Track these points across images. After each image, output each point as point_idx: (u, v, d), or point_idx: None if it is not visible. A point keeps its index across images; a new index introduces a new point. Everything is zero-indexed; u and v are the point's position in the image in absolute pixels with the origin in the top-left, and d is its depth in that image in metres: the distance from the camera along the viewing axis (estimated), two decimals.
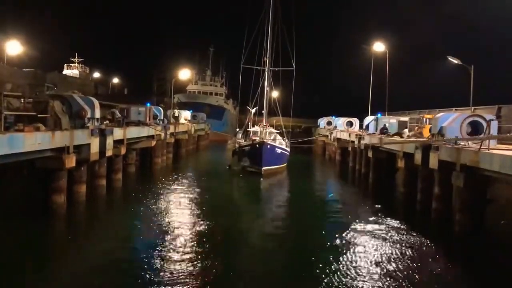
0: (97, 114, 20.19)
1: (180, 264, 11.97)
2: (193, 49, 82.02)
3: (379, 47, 37.95)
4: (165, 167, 33.09)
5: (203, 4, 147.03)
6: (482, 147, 15.40)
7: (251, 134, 37.05)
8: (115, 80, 78.19)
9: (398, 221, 18.12)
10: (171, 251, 13.11)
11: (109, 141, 19.95)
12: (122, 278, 11.22)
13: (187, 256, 12.66)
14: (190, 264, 12.04)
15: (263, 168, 29.81)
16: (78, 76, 63.49)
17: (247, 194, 25.85)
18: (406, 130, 28.81)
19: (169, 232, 15.24)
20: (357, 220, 18.20)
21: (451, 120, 19.29)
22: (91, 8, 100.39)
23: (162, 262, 12.06)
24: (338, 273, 11.92)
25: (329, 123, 51.72)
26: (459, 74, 28.45)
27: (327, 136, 47.35)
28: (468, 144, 17.51)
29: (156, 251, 13.02)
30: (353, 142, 35.67)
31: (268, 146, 30.40)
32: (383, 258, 13.24)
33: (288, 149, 35.38)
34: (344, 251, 13.91)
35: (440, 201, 18.39)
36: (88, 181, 19.74)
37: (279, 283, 11.66)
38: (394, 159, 26.19)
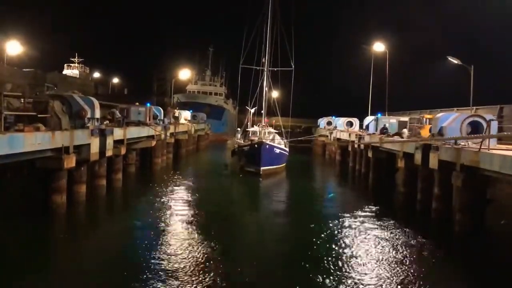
0: (97, 114, 20.18)
1: (180, 264, 11.96)
2: (193, 49, 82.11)
3: (379, 47, 37.98)
4: (165, 167, 33.08)
5: (203, 4, 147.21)
6: (482, 147, 15.40)
7: (250, 134, 37.06)
8: (115, 80, 78.28)
9: (398, 221, 18.12)
10: (171, 251, 13.10)
11: (109, 141, 19.94)
12: (122, 278, 11.20)
13: (187, 256, 12.66)
14: (190, 264, 12.03)
15: (262, 168, 29.80)
16: (78, 76, 63.56)
17: (245, 195, 25.84)
18: (405, 130, 28.80)
19: (169, 232, 15.23)
20: (357, 220, 18.20)
21: (451, 120, 19.29)
22: (91, 8, 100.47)
23: (162, 262, 12.05)
24: (338, 273, 11.92)
25: (329, 123, 51.73)
26: (459, 74, 28.47)
27: (327, 136, 47.37)
28: (468, 144, 17.52)
29: (156, 251, 13.01)
30: (353, 142, 35.67)
31: (267, 146, 30.39)
32: (383, 258, 13.24)
33: (287, 149, 35.38)
34: (344, 251, 13.91)
35: (440, 201, 18.39)
36: (88, 181, 19.73)
37: (279, 283, 11.65)
38: (394, 159, 26.19)
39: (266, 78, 38.29)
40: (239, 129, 43.21)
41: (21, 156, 14.06)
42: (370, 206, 21.27)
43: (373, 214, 19.63)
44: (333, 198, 25.62)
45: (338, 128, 46.08)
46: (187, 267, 11.79)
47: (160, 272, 11.32)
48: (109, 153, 20.08)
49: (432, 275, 12.49)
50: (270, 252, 14.12)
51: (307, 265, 12.72)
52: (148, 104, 31.60)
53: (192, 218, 17.49)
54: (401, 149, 23.10)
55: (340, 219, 18.29)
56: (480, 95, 26.37)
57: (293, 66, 39.72)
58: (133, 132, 25.70)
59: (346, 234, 16.01)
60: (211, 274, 11.33)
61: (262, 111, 38.92)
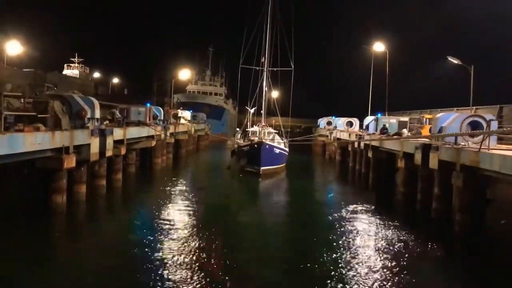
0: (97, 114, 20.19)
1: (180, 264, 11.96)
2: (193, 49, 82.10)
3: (379, 47, 37.98)
4: (165, 167, 33.09)
5: (203, 4, 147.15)
6: (482, 147, 15.40)
7: (250, 134, 37.06)
8: (115, 80, 78.23)
9: (398, 221, 18.11)
10: (171, 251, 13.10)
11: (109, 141, 19.94)
12: (122, 278, 11.21)
13: (186, 256, 12.65)
14: (189, 264, 12.03)
15: (262, 168, 29.81)
16: (78, 76, 63.51)
17: (245, 195, 25.83)
18: (405, 130, 28.81)
19: (169, 232, 15.23)
20: (357, 220, 18.21)
21: (451, 120, 19.29)
22: (91, 8, 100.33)
23: (162, 262, 12.05)
24: (338, 272, 11.91)
25: (329, 123, 51.75)
26: (459, 74, 28.47)
27: (327, 136, 47.37)
28: (468, 144, 17.52)
29: (156, 251, 13.01)
30: (353, 142, 35.68)
31: (267, 146, 30.40)
32: (383, 258, 13.24)
33: (286, 149, 35.38)
34: (344, 251, 13.91)
35: (440, 201, 18.39)
36: (88, 181, 19.74)
37: (279, 282, 11.65)
38: (394, 159, 26.18)
39: (266, 78, 38.30)
40: (238, 129, 43.23)
41: (21, 156, 14.06)
42: (370, 206, 21.27)
43: (373, 214, 19.63)
44: (332, 198, 25.62)
45: (338, 128, 46.08)
46: (187, 266, 11.79)
47: (160, 272, 11.31)
48: (109, 153, 20.07)
49: (432, 275, 12.50)
50: (270, 252, 14.12)
51: (307, 265, 12.71)
52: (148, 104, 31.60)
53: (192, 218, 17.49)
54: (401, 149, 23.10)
55: (340, 219, 18.29)
56: (480, 95, 26.38)
57: (292, 66, 39.78)
58: (133, 132, 25.70)
59: (346, 233, 16.00)
60: (211, 274, 11.33)
61: (262, 111, 38.94)
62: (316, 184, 32.69)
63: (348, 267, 12.34)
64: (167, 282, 10.71)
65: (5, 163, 13.67)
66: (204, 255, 12.82)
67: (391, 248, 14.36)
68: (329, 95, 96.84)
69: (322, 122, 56.16)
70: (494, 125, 18.35)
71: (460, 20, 66.41)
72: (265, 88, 38.48)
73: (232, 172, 32.58)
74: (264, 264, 12.91)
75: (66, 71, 64.83)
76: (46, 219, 15.92)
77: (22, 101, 16.37)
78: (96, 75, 74.14)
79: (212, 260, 12.49)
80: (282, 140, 36.39)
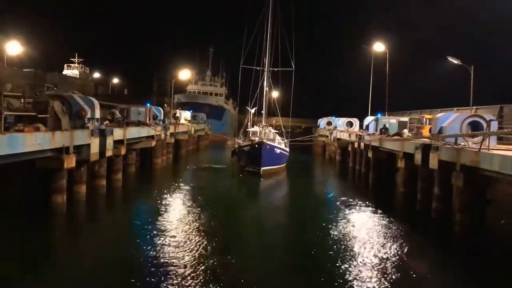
0: (97, 114, 20.20)
1: (180, 264, 11.95)
2: (193, 49, 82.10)
3: (379, 47, 37.97)
4: (165, 168, 33.09)
5: (203, 4, 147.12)
6: (482, 147, 15.40)
7: (250, 134, 37.07)
8: (115, 80, 78.24)
9: (398, 221, 18.12)
10: (171, 251, 13.09)
11: (109, 141, 19.94)
12: (122, 277, 11.20)
13: (187, 256, 12.65)
14: (189, 264, 12.02)
15: (262, 168, 29.81)
16: (78, 76, 63.49)
17: (246, 194, 25.83)
18: (406, 130, 28.82)
19: (169, 232, 15.22)
20: (357, 220, 18.21)
21: (451, 120, 19.29)
22: (91, 8, 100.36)
23: (162, 262, 12.04)
24: (338, 272, 11.90)
25: (329, 123, 51.76)
26: (459, 74, 28.47)
27: (327, 136, 47.37)
28: (468, 144, 17.52)
29: (156, 251, 13.00)
30: (353, 142, 35.69)
31: (267, 146, 30.40)
32: (383, 258, 13.23)
33: (287, 149, 35.38)
34: (344, 250, 13.89)
35: (440, 201, 18.38)
36: (88, 181, 19.74)
37: (279, 281, 11.65)
38: (394, 159, 26.19)
39: (266, 78, 38.29)
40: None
41: (21, 156, 14.06)
42: (370, 206, 21.28)
43: (373, 214, 19.63)
44: (332, 198, 25.61)
45: (338, 128, 46.08)
46: (188, 266, 11.78)
47: (160, 272, 11.31)
48: (109, 153, 20.08)
49: (432, 275, 12.49)
50: (270, 252, 14.12)
51: (307, 265, 12.73)
52: (148, 104, 31.61)
53: (192, 218, 17.48)
54: (401, 149, 23.10)
55: (340, 219, 18.29)
56: (480, 95, 26.37)
57: (293, 66, 39.78)
58: (133, 132, 25.70)
59: (346, 233, 16.00)
60: (211, 273, 11.32)
61: (262, 111, 38.94)
62: (316, 184, 32.69)
63: (348, 267, 12.33)
64: (167, 282, 10.71)
65: (5, 163, 13.68)
66: (204, 255, 12.81)
67: (391, 248, 14.35)
68: (329, 95, 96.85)
69: (322, 122, 56.17)
70: (494, 125, 18.33)
71: (460, 20, 66.43)
72: (265, 88, 38.48)
73: (233, 172, 32.57)
74: (264, 264, 12.91)
75: (66, 71, 64.82)
76: (46, 219, 15.92)
77: (22, 101, 16.36)
78: (96, 75, 74.14)
79: (213, 260, 12.48)
80: (283, 140, 36.40)
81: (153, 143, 29.29)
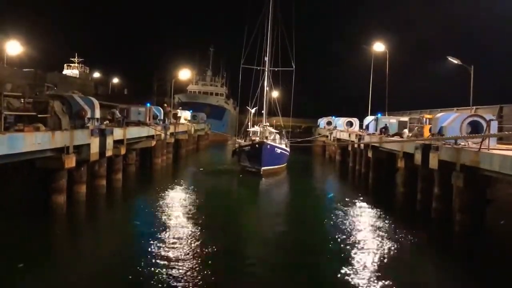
0: (97, 114, 20.19)
1: (180, 264, 11.95)
2: (193, 49, 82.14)
3: (379, 47, 37.96)
4: (165, 167, 33.09)
5: (203, 4, 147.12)
6: (482, 147, 15.40)
7: (250, 134, 37.07)
8: (115, 80, 78.27)
9: (398, 221, 18.12)
10: (171, 251, 13.09)
11: (109, 141, 19.94)
12: (122, 278, 11.21)
13: (187, 256, 12.66)
14: (190, 264, 12.03)
15: (263, 168, 29.81)
16: (78, 76, 63.51)
17: (246, 194, 25.83)
18: (406, 130, 28.81)
19: (169, 232, 15.22)
20: (357, 220, 18.21)
21: (451, 120, 19.29)
22: (91, 8, 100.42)
23: (162, 262, 12.04)
24: (338, 272, 11.89)
25: (329, 123, 51.74)
26: (459, 74, 28.47)
27: (327, 136, 47.37)
28: (468, 144, 17.52)
29: (156, 251, 13.00)
30: (353, 142, 35.69)
31: (268, 146, 30.40)
32: (383, 258, 13.23)
33: (288, 149, 35.39)
34: (344, 251, 13.89)
35: (440, 201, 18.38)
36: (88, 181, 19.74)
37: (279, 281, 11.65)
38: (394, 159, 26.18)
39: (266, 78, 38.30)
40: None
41: (21, 156, 14.06)
42: (370, 206, 21.28)
43: (373, 214, 19.63)
44: (333, 198, 25.61)
45: (338, 128, 46.07)
46: (187, 266, 11.78)
47: (160, 272, 11.31)
48: (109, 153, 20.08)
49: (432, 275, 12.50)
50: (270, 252, 14.11)
51: (307, 265, 12.72)
52: (148, 104, 31.61)
53: (192, 218, 17.47)
54: (401, 149, 23.10)
55: (340, 219, 18.29)
56: (480, 95, 26.37)
57: (293, 66, 39.78)
58: (133, 132, 25.70)
59: (346, 233, 15.99)
60: (211, 274, 11.32)
61: (262, 111, 38.94)
62: (316, 184, 32.71)
63: (348, 267, 12.32)
64: (167, 282, 10.71)
65: (5, 163, 13.67)
66: (204, 255, 12.81)
67: (391, 248, 14.35)
68: (329, 95, 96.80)
69: (322, 122, 56.17)
70: (494, 125, 18.34)
71: (460, 20, 66.43)
72: (266, 88, 38.48)
73: (233, 172, 32.57)
74: (264, 264, 12.90)
75: (66, 71, 64.85)
76: (46, 219, 15.92)
77: (22, 101, 16.36)
78: (96, 75, 74.16)
79: (213, 260, 12.48)
80: (283, 140, 36.40)
81: (153, 143, 29.30)
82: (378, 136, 30.43)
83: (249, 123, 40.23)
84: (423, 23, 76.51)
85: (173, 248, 13.39)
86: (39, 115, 16.11)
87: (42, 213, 16.32)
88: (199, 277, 11.08)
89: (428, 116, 26.46)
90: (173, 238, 14.49)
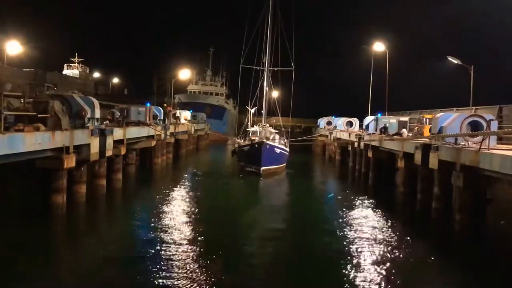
0: (97, 114, 20.18)
1: (179, 264, 11.96)
2: (193, 49, 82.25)
3: (379, 47, 37.96)
4: (165, 167, 33.10)
5: (203, 4, 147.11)
6: (482, 147, 15.40)
7: (250, 134, 37.07)
8: (115, 80, 78.28)
9: (398, 221, 18.12)
10: (171, 251, 13.10)
11: (109, 141, 19.92)
12: (122, 278, 11.22)
13: (186, 256, 12.66)
14: (189, 264, 12.03)
15: (262, 168, 29.80)
16: (78, 76, 63.51)
17: (246, 194, 25.81)
18: (405, 130, 28.81)
19: (169, 232, 15.22)
20: (356, 220, 18.20)
21: (451, 120, 19.29)
22: (91, 8, 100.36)
23: (162, 262, 12.04)
24: (337, 272, 11.90)
25: (329, 123, 51.74)
26: (459, 74, 28.48)
27: (327, 136, 47.37)
28: (468, 144, 17.52)
29: (156, 251, 13.00)
30: (353, 142, 35.69)
31: (267, 146, 30.39)
32: (383, 258, 13.23)
33: (287, 149, 35.39)
34: (344, 250, 13.89)
35: (440, 201, 18.39)
36: (88, 181, 19.72)
37: (278, 282, 11.65)
38: (394, 159, 26.19)
39: (266, 78, 38.30)
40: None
41: (21, 156, 14.05)
42: (370, 206, 21.28)
43: (373, 214, 19.63)
44: (333, 198, 25.62)
45: (338, 128, 46.07)
46: (187, 267, 11.79)
47: (160, 272, 11.31)
48: (109, 153, 20.06)
49: (432, 275, 12.50)
50: (270, 252, 14.11)
51: (307, 265, 12.73)
52: (148, 104, 31.61)
53: (192, 218, 17.48)
54: (401, 149, 23.10)
55: (340, 219, 18.29)
56: (480, 95, 26.40)
57: (293, 66, 39.81)
58: (133, 132, 25.70)
59: (346, 233, 16.00)
60: (211, 274, 11.32)
61: (262, 111, 38.95)
62: (316, 184, 32.71)
63: (348, 267, 12.32)
64: (167, 283, 10.71)
65: (5, 163, 13.66)
66: (205, 256, 12.80)
67: (391, 248, 14.36)
68: (329, 95, 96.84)
69: (322, 122, 56.16)
70: (494, 125, 18.34)
71: (460, 20, 66.44)
72: (265, 88, 38.49)
73: (232, 172, 32.57)
74: (264, 264, 12.91)
75: (66, 71, 64.84)
76: (46, 219, 15.90)
77: (22, 101, 16.36)
78: (96, 75, 74.15)
79: (213, 260, 12.48)
80: (283, 140, 36.41)
81: (153, 143, 29.30)
82: (378, 136, 30.41)
83: (249, 123, 40.25)
84: (423, 23, 76.57)
85: (173, 248, 13.39)
86: (39, 115, 16.08)
87: (42, 213, 16.31)
88: (198, 277, 11.08)
89: (428, 116, 26.49)
90: (173, 238, 14.50)
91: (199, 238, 14.59)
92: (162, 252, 12.95)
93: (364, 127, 38.53)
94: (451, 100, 34.73)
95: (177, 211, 18.55)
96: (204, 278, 11.06)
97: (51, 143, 15.42)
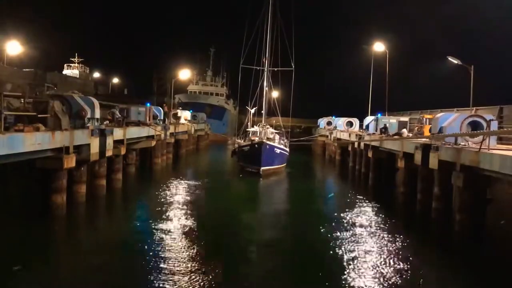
0: (97, 114, 20.19)
1: (179, 264, 11.96)
2: (194, 49, 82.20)
3: (379, 47, 37.96)
4: (165, 167, 33.09)
5: (203, 4, 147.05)
6: (482, 147, 15.40)
7: (250, 134, 37.09)
8: (115, 80, 78.30)
9: (398, 221, 18.12)
10: (171, 251, 13.10)
11: (109, 141, 19.93)
12: (122, 278, 11.22)
13: (187, 256, 12.66)
14: (189, 265, 12.03)
15: (262, 168, 29.80)
16: (78, 76, 63.50)
17: (246, 195, 25.81)
18: (405, 130, 28.81)
19: (169, 232, 15.22)
20: (357, 220, 18.20)
21: (451, 120, 19.29)
22: (91, 8, 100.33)
23: (162, 262, 12.04)
24: (337, 273, 11.90)
25: (329, 123, 51.75)
26: (459, 74, 28.47)
27: (327, 136, 47.37)
28: (468, 144, 17.52)
29: (156, 251, 13.00)
30: (353, 142, 35.70)
31: (267, 146, 30.39)
32: (383, 258, 13.23)
33: (287, 149, 35.38)
34: (344, 251, 13.90)
35: (440, 201, 18.39)
36: (88, 181, 19.72)
37: (278, 282, 11.65)
38: (394, 159, 26.18)
39: (266, 78, 38.31)
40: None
41: (21, 156, 14.06)
42: (370, 206, 21.28)
43: (373, 214, 19.62)
44: (333, 198, 25.62)
45: (338, 128, 46.08)
46: (187, 267, 11.79)
47: (160, 272, 11.31)
48: (109, 153, 20.07)
49: (432, 275, 12.49)
50: (270, 252, 14.11)
51: (307, 265, 12.72)
52: (148, 104, 31.61)
53: (192, 218, 17.47)
54: (401, 149, 23.10)
55: (340, 219, 18.28)
56: (480, 95, 26.38)
57: (293, 66, 39.82)
58: (133, 132, 25.70)
59: (346, 234, 16.00)
60: (211, 274, 11.32)
61: (262, 111, 38.96)
62: (316, 184, 32.70)
63: (348, 267, 12.33)
64: (167, 283, 10.70)
65: (5, 163, 13.67)
66: (204, 256, 12.80)
67: (391, 248, 14.36)
68: (329, 95, 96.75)
69: (322, 122, 56.17)
70: (494, 125, 18.35)
71: (460, 20, 66.45)
72: (265, 88, 38.49)
73: (232, 172, 32.57)
74: (264, 264, 12.91)
75: (66, 71, 64.82)
76: (46, 219, 15.90)
77: (22, 101, 16.36)
78: (96, 75, 74.14)
79: (212, 261, 12.47)
80: (283, 140, 36.41)
81: (153, 143, 29.30)
82: (378, 136, 30.42)
83: (249, 123, 40.25)
84: (423, 23, 76.51)
85: (172, 248, 13.40)
86: (39, 115, 16.09)
87: (42, 213, 16.31)
88: (198, 278, 11.08)
89: (428, 116, 26.48)
90: (173, 238, 14.50)
91: (199, 239, 14.59)
92: (162, 252, 12.95)
93: (364, 127, 38.53)
94: (451, 100, 34.73)
95: (177, 212, 18.54)
96: (204, 278, 11.06)
97: (51, 143, 15.43)
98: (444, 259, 13.96)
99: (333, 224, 17.61)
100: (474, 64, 24.65)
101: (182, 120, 44.48)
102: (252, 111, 40.79)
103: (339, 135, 42.76)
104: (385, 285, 11.19)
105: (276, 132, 36.75)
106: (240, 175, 31.24)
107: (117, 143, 22.10)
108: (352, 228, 16.85)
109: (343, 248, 14.17)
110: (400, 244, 14.88)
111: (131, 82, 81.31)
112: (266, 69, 38.22)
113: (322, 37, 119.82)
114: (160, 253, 12.85)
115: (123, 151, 22.91)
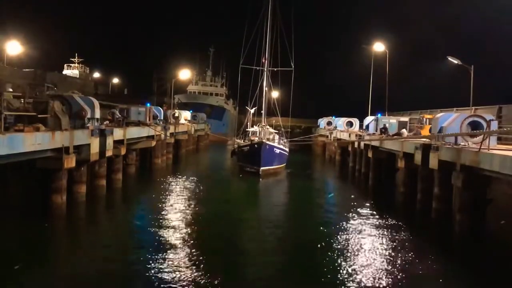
0: (97, 114, 20.19)
1: (180, 265, 11.96)
2: (193, 50, 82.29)
3: (379, 47, 37.96)
4: (165, 168, 33.09)
5: (203, 4, 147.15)
6: (482, 147, 15.39)
7: (250, 134, 37.08)
8: (115, 80, 78.30)
9: (398, 221, 18.11)
10: (171, 251, 13.10)
11: (109, 141, 19.93)
12: (122, 278, 11.22)
13: (186, 257, 12.66)
14: (189, 265, 12.03)
15: (262, 168, 29.80)
16: (78, 76, 63.52)
17: (245, 195, 25.82)
18: (404, 130, 28.80)
19: (169, 232, 15.23)
20: (357, 220, 18.20)
21: (451, 120, 19.29)
22: (91, 8, 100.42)
23: (161, 263, 12.04)
24: (337, 273, 11.91)
25: (329, 123, 51.73)
26: (459, 74, 28.49)
27: (327, 136, 47.37)
28: (468, 144, 17.52)
29: (156, 251, 13.00)
30: (353, 142, 35.69)
31: (267, 146, 30.39)
32: (383, 258, 13.24)
33: (287, 149, 35.38)
34: (344, 251, 13.90)
35: (440, 201, 18.38)
36: (88, 181, 19.73)
37: (278, 282, 11.65)
38: (394, 159, 26.18)
39: (266, 78, 38.31)
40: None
41: (21, 156, 14.06)
42: (370, 206, 21.28)
43: (373, 214, 19.62)
44: (333, 198, 25.62)
45: (338, 128, 46.07)
46: (187, 267, 11.79)
47: (159, 272, 11.32)
48: (109, 153, 20.07)
49: (432, 275, 12.49)
50: (269, 253, 14.11)
51: (307, 266, 12.72)
52: (148, 104, 31.61)
53: (192, 219, 17.48)
54: (401, 149, 23.09)
55: (340, 219, 18.28)
56: (480, 95, 26.38)
57: (293, 66, 39.81)
58: (133, 132, 25.71)
59: (346, 234, 16.00)
60: (211, 274, 11.32)
61: (262, 111, 38.95)
62: (316, 184, 32.67)
63: (348, 267, 12.33)
64: (166, 283, 10.71)
65: (5, 163, 13.67)
66: (204, 256, 12.80)
67: (391, 248, 14.36)
68: (329, 95, 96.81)
69: (322, 122, 56.15)
70: (494, 125, 18.34)
71: (460, 20, 66.48)
72: (265, 88, 38.49)
73: (232, 172, 32.56)
74: (263, 264, 12.90)
75: (66, 71, 64.87)
76: (46, 219, 15.89)
77: (22, 101, 16.36)
78: (96, 75, 74.17)
79: (212, 261, 12.49)
80: (283, 140, 36.40)
81: (153, 143, 29.31)
82: (378, 136, 30.41)
83: (249, 123, 40.25)
84: (423, 23, 76.52)
85: (172, 248, 13.40)
86: (39, 115, 16.09)
87: (42, 213, 16.31)
88: (198, 278, 11.08)
89: (428, 116, 26.50)
90: (173, 238, 14.51)
91: (199, 239, 14.59)
92: (162, 252, 12.95)
93: (364, 127, 38.52)
94: (451, 100, 34.73)
95: (177, 212, 18.54)
96: (204, 278, 11.06)
97: (51, 143, 15.43)
98: (444, 259, 13.95)
99: (333, 224, 17.60)
100: (474, 64, 24.67)
101: (182, 120, 44.49)
102: (252, 111, 40.78)
103: (339, 135, 42.76)
104: (385, 285, 11.19)
105: (275, 132, 36.75)
106: (239, 175, 31.25)
107: (117, 143, 22.10)
108: (352, 228, 16.85)
109: (343, 248, 14.17)
110: (400, 244, 14.89)
111: (131, 82, 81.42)
112: (265, 69, 38.22)
113: (322, 37, 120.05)
114: (160, 253, 12.84)
115: (123, 151, 22.92)
